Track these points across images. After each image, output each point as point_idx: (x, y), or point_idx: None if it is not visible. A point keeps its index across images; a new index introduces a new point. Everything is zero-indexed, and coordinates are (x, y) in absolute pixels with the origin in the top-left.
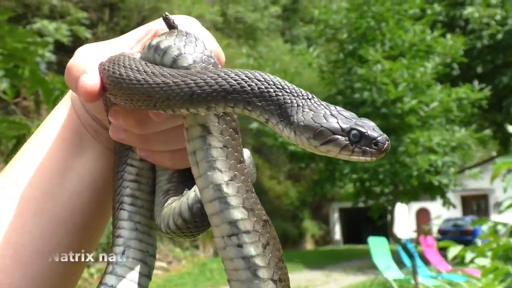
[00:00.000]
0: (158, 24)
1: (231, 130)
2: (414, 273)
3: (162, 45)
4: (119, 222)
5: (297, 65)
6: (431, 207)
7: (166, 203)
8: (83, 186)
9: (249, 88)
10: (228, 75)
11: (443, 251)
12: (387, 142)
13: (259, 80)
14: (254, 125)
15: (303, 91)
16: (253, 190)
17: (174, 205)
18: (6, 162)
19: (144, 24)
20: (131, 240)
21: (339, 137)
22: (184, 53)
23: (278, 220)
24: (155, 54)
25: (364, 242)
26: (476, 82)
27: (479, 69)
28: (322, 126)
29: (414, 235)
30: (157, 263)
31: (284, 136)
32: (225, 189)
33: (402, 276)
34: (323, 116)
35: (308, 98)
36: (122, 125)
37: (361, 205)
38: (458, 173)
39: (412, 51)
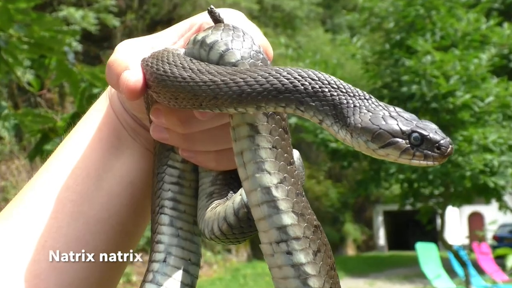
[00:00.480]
0: (202, 18)
1: (280, 129)
2: (467, 283)
3: (208, 40)
4: (159, 227)
5: (339, 56)
6: (486, 211)
7: (210, 207)
8: (121, 188)
9: (302, 87)
10: (280, 73)
11: (499, 259)
12: (450, 146)
13: (313, 79)
14: (293, 120)
15: (360, 91)
16: (303, 193)
17: (219, 209)
18: (30, 157)
19: (175, 12)
20: (173, 247)
21: (400, 140)
22: (232, 49)
23: None
24: (200, 49)
25: (411, 248)
26: None
27: None
28: (381, 128)
29: (466, 241)
30: None
31: (339, 139)
32: (274, 192)
33: (454, 286)
34: (382, 117)
35: (365, 99)
36: (165, 124)
37: (408, 208)
38: None
39: (465, 41)
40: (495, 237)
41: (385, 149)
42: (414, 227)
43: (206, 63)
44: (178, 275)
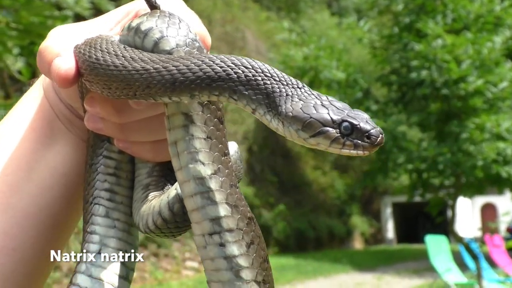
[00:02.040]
0: (139, 5)
1: (215, 120)
2: (479, 276)
3: (143, 27)
4: (93, 218)
5: (346, 41)
6: (499, 202)
7: (146, 200)
8: (53, 180)
9: (235, 75)
10: (213, 61)
11: None
12: (380, 135)
13: (246, 67)
14: None
15: (294, 80)
16: (238, 185)
17: (154, 203)
18: None
19: None
20: (109, 238)
21: (330, 129)
22: (167, 36)
23: (323, 215)
24: (135, 36)
25: (421, 241)
26: None
27: None
28: (311, 117)
29: (478, 233)
30: (188, 263)
31: (273, 128)
32: (207, 183)
33: (465, 280)
34: (313, 106)
35: (298, 87)
36: (99, 113)
37: (417, 199)
38: None
39: (478, 23)
40: (509, 229)
41: (315, 138)
42: (423, 219)
43: (139, 50)
44: (114, 267)
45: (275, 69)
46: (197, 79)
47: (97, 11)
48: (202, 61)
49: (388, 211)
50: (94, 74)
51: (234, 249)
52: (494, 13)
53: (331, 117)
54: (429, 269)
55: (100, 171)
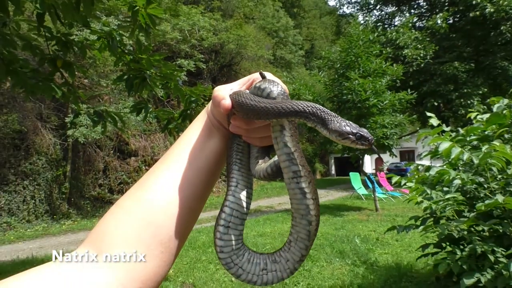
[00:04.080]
0: (254, 76)
1: (294, 127)
2: (373, 191)
3: (261, 87)
4: (232, 171)
5: (313, 81)
6: (384, 156)
7: (258, 164)
8: (211, 156)
9: (308, 110)
10: (298, 104)
11: (389, 180)
12: (372, 140)
13: (312, 107)
14: None
15: (332, 112)
16: (303, 154)
17: (262, 166)
18: (162, 131)
19: (232, 60)
20: (240, 180)
21: (351, 136)
22: (272, 91)
23: None
24: (257, 91)
25: (347, 175)
26: (409, 90)
27: (411, 82)
28: (343, 131)
29: (373, 171)
30: None
31: (324, 134)
32: (292, 155)
33: (367, 192)
34: (343, 126)
35: (334, 116)
36: (238, 124)
37: (346, 155)
38: (398, 139)
39: (374, 73)
40: (388, 169)
41: (344, 140)
42: (349, 164)
43: (261, 98)
44: (244, 192)
45: (324, 107)
46: (291, 112)
47: (197, 68)
48: (292, 104)
49: (332, 161)
50: (240, 107)
51: (303, 184)
52: (382, 68)
53: (351, 131)
54: (351, 188)
55: (235, 150)
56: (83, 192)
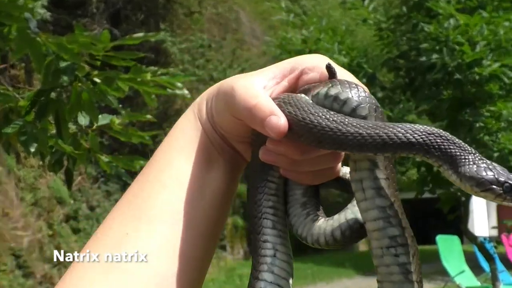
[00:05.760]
0: (302, 63)
1: (391, 165)
2: (494, 279)
3: (342, 97)
4: (264, 230)
5: (349, 22)
6: None
7: (309, 217)
8: (214, 196)
9: (430, 142)
10: (414, 130)
11: None
12: None
13: (436, 136)
14: None
15: (468, 147)
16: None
17: (323, 226)
18: None
19: None
20: (278, 245)
21: (495, 187)
22: (362, 104)
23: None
24: (333, 103)
25: (432, 241)
26: None
27: None
28: (483, 178)
29: (494, 232)
30: None
31: (451, 180)
32: (387, 211)
33: (479, 284)
34: (483, 169)
35: (472, 153)
36: (281, 151)
37: (427, 195)
38: None
39: (494, 1)
40: None
41: (484, 193)
42: (434, 217)
43: (343, 115)
44: (285, 265)
45: (455, 138)
46: (402, 144)
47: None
48: (405, 130)
49: None
50: (306, 131)
51: (404, 258)
52: None
53: (497, 179)
54: (440, 272)
55: (265, 193)
56: None
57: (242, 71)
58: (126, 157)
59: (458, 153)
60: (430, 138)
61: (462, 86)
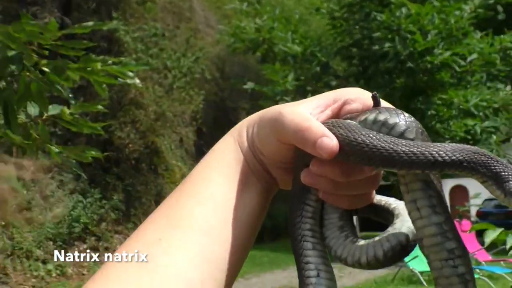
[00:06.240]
0: (345, 94)
1: (439, 184)
2: None
3: (390, 122)
4: (304, 251)
5: (303, 11)
6: (469, 184)
7: (348, 239)
8: (249, 218)
9: (476, 160)
10: (461, 149)
11: (482, 237)
12: None
13: (481, 154)
14: (250, 85)
15: (505, 162)
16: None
17: (366, 247)
18: None
19: None
20: (320, 265)
21: None
22: (409, 128)
23: (279, 202)
24: (382, 127)
25: (384, 229)
26: None
27: None
28: None
29: None
30: None
31: (495, 195)
32: (444, 226)
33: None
34: None
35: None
36: (324, 173)
37: (381, 182)
38: (503, 142)
39: None
40: (479, 213)
41: None
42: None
43: (392, 136)
44: (330, 283)
45: (498, 157)
46: (451, 161)
47: None
48: (454, 149)
49: None
50: (357, 151)
51: (463, 269)
52: None
53: None
54: None
55: (303, 216)
56: None
57: (196, 60)
58: (78, 148)
59: (502, 170)
60: (476, 156)
61: (414, 75)
